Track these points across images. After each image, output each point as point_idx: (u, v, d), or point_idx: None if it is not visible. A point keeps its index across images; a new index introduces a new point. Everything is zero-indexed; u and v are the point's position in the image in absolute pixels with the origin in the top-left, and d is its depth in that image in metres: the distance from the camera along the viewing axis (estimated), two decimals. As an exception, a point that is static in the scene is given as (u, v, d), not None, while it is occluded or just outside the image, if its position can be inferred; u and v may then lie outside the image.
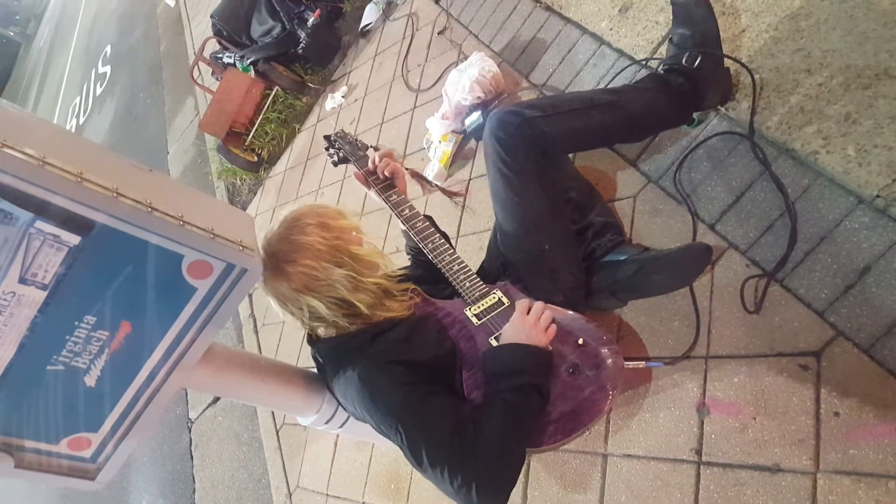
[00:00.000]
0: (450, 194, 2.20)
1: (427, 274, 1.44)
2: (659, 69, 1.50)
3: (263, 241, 1.18)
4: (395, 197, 1.48)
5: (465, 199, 2.13)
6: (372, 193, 1.53)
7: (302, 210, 1.21)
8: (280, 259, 1.13)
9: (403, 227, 1.46)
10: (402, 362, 1.14)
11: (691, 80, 1.40)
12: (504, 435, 1.04)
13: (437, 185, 2.25)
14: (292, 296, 1.15)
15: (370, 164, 1.53)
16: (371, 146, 1.93)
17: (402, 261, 1.65)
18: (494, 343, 1.22)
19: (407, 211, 1.45)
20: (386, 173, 1.50)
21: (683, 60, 1.40)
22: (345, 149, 1.72)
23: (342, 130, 1.81)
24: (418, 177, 2.35)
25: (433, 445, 1.02)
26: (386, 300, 1.25)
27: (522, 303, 1.24)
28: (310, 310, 1.16)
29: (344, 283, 1.15)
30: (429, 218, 1.49)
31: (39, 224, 0.79)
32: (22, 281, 0.83)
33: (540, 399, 1.11)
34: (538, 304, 1.23)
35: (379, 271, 1.24)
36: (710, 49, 1.40)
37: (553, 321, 1.22)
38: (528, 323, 1.18)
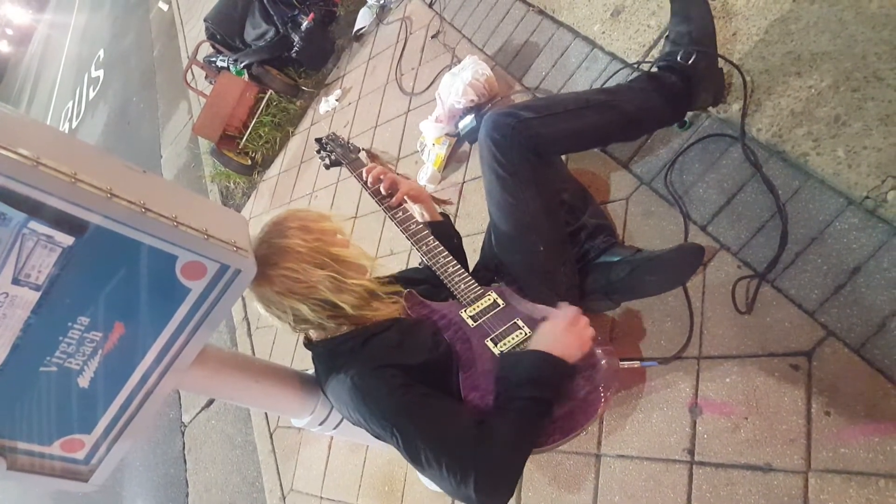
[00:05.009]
0: (439, 202, 2.21)
1: (431, 276, 1.43)
2: (653, 67, 1.51)
3: None
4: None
5: (458, 205, 2.13)
6: (368, 194, 1.52)
7: (283, 214, 1.20)
8: (262, 263, 1.11)
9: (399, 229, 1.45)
10: (395, 365, 1.13)
11: (685, 79, 1.41)
12: (517, 439, 1.03)
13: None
14: (276, 299, 1.14)
15: (370, 183, 1.50)
16: (363, 149, 1.93)
17: (399, 264, 1.65)
18: (491, 345, 1.22)
19: (401, 213, 1.45)
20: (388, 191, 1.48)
21: (678, 57, 1.42)
22: (336, 151, 1.72)
23: (333, 133, 1.81)
24: None
25: (432, 443, 1.01)
26: (372, 301, 1.24)
27: (572, 309, 1.20)
28: (294, 313, 1.16)
29: (326, 283, 1.14)
30: (445, 217, 1.48)
31: (33, 224, 0.79)
32: (15, 282, 0.82)
33: (551, 410, 1.10)
34: (584, 318, 1.19)
35: (366, 273, 1.24)
36: (705, 47, 1.41)
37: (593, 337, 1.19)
38: (574, 333, 1.15)
